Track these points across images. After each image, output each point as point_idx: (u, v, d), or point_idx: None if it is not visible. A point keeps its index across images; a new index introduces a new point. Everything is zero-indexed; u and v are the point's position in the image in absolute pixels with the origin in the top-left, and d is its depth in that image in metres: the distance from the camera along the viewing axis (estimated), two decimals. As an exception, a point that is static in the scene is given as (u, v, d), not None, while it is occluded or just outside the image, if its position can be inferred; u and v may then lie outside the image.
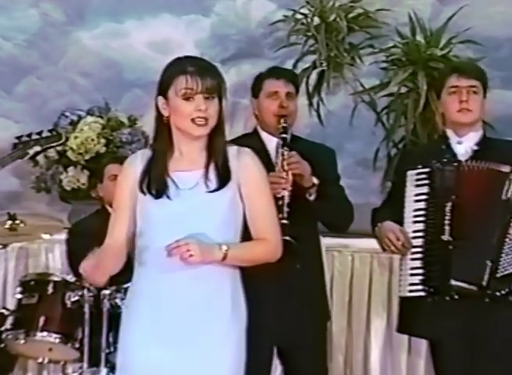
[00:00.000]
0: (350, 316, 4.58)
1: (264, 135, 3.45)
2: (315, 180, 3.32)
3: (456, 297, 3.08)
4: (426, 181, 3.17)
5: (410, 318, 3.23)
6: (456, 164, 3.15)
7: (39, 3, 5.60)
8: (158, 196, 2.72)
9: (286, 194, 3.22)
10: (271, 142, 3.42)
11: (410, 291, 3.15)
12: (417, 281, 3.14)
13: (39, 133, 3.43)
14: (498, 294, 3.03)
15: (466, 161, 3.17)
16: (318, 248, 3.52)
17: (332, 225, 3.50)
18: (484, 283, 3.04)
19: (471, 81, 3.22)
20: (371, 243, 4.67)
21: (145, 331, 2.71)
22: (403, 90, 4.97)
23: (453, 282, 3.07)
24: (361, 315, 4.56)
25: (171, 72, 2.72)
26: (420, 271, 3.14)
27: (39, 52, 5.57)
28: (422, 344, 4.48)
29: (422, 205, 3.16)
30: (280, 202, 3.20)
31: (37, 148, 3.25)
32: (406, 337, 4.52)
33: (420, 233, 3.16)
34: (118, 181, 2.82)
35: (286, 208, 3.21)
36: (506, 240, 3.04)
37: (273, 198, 3.01)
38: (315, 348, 3.40)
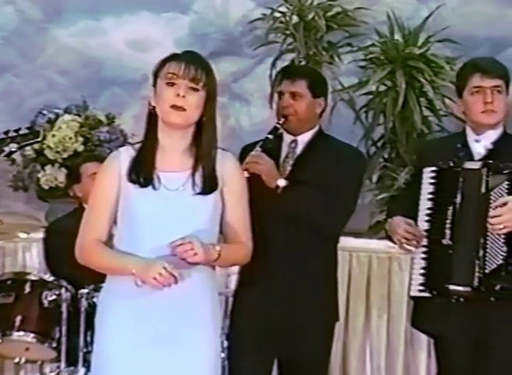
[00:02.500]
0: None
1: (284, 133, 3.41)
2: (280, 182, 3.25)
3: (460, 300, 3.07)
4: (434, 181, 3.15)
5: (420, 314, 3.23)
6: (460, 165, 3.13)
7: (15, 0, 5.56)
8: (145, 185, 2.69)
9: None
10: (286, 140, 3.39)
11: (419, 291, 3.15)
12: (423, 282, 3.15)
13: (16, 131, 3.40)
14: (496, 288, 3.01)
15: (470, 162, 3.14)
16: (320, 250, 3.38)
17: (295, 211, 3.35)
18: (475, 283, 3.04)
19: (495, 81, 3.15)
20: (350, 241, 4.72)
21: (121, 330, 2.70)
22: (382, 88, 4.98)
23: (451, 287, 3.07)
24: (340, 313, 4.55)
25: (161, 61, 2.74)
26: (424, 271, 3.14)
27: (16, 50, 5.54)
28: (400, 341, 4.50)
29: (430, 204, 3.15)
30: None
31: (14, 146, 3.22)
32: (384, 335, 4.54)
33: (427, 233, 3.15)
34: (98, 178, 2.79)
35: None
36: (488, 233, 3.04)
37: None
38: (318, 357, 3.35)
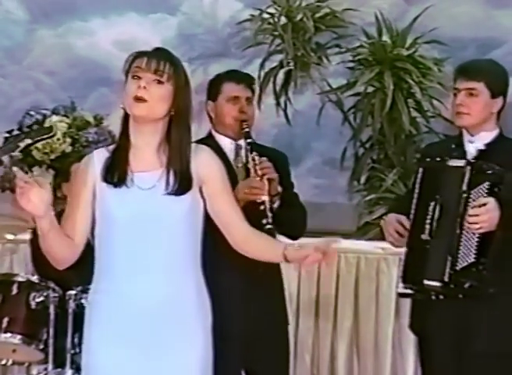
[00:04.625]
0: (316, 315, 4.59)
1: (219, 138, 3.43)
2: (279, 189, 3.30)
3: (440, 297, 3.09)
4: (420, 179, 3.18)
5: (411, 313, 3.26)
6: (443, 163, 3.15)
7: (3, 1, 5.55)
8: (118, 185, 2.67)
9: (266, 198, 3.20)
10: (227, 144, 3.41)
11: (403, 288, 3.17)
12: (403, 277, 3.18)
13: (29, 127, 3.41)
14: (465, 286, 3.03)
15: (454, 160, 3.16)
16: None
17: (291, 234, 3.45)
18: (446, 278, 3.05)
19: (469, 83, 3.16)
20: (338, 242, 4.72)
21: (108, 330, 2.68)
22: (370, 89, 4.99)
23: (425, 281, 3.09)
24: (328, 314, 4.56)
25: (128, 58, 2.71)
26: (404, 268, 3.17)
27: (3, 51, 5.52)
28: (388, 342, 4.51)
29: (416, 200, 3.18)
30: (262, 207, 3.17)
31: (28, 141, 3.22)
32: (372, 335, 4.54)
33: (410, 229, 3.18)
34: (75, 177, 2.78)
35: (269, 213, 3.17)
36: (463, 231, 3.06)
37: (254, 203, 3.00)
38: (278, 354, 3.38)
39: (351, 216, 4.91)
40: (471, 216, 3.03)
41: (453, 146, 3.21)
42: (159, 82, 2.65)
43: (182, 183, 2.68)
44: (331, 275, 4.58)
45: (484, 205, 3.02)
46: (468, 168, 3.09)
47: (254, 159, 3.27)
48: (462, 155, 3.18)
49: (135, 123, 2.70)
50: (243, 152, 3.39)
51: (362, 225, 4.83)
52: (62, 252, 2.72)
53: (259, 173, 3.24)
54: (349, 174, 5.09)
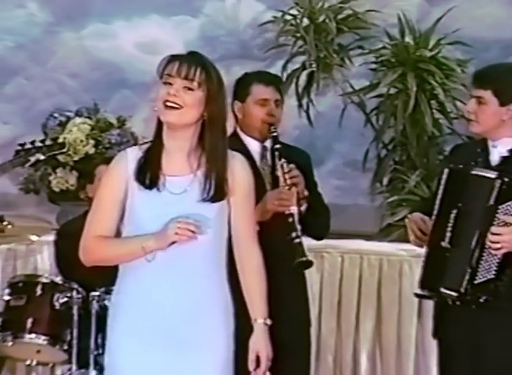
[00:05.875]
0: (339, 316, 4.58)
1: (245, 138, 3.41)
2: (306, 193, 3.27)
3: (457, 303, 3.07)
4: (445, 181, 3.14)
5: (434, 321, 3.24)
6: (469, 170, 3.11)
7: (26, 4, 5.58)
8: (150, 187, 2.67)
9: (295, 210, 3.13)
10: (253, 146, 3.39)
11: (421, 290, 3.17)
12: (421, 281, 3.15)
13: (42, 141, 3.42)
14: (481, 300, 3.02)
15: (479, 168, 3.12)
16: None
17: (316, 236, 3.46)
18: (462, 289, 3.03)
19: (477, 91, 3.14)
20: (361, 244, 4.72)
21: (130, 331, 2.69)
22: (393, 91, 4.98)
23: (442, 289, 3.08)
24: (350, 316, 4.56)
25: (161, 62, 2.71)
26: (423, 271, 3.15)
27: (27, 53, 5.56)
28: (411, 344, 4.49)
29: (438, 205, 3.15)
30: (291, 219, 3.11)
31: (40, 156, 3.25)
32: (395, 337, 4.53)
33: (430, 233, 3.16)
34: (104, 178, 2.77)
35: (298, 226, 3.11)
36: (486, 246, 3.03)
37: (282, 215, 2.97)
38: (299, 355, 3.37)
39: (373, 218, 4.90)
40: (493, 234, 2.99)
41: (479, 150, 3.19)
42: (189, 89, 2.65)
43: (219, 190, 2.67)
44: (353, 277, 4.57)
45: (509, 224, 2.99)
46: (499, 182, 3.04)
47: (282, 167, 3.22)
48: (486, 160, 3.16)
49: (168, 129, 2.70)
50: (268, 155, 3.36)
51: (384, 227, 4.82)
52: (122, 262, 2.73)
53: (288, 181, 3.19)
54: (371, 176, 5.08)
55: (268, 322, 2.74)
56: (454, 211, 3.08)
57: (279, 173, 3.23)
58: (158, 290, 2.67)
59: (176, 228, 2.59)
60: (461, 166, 3.13)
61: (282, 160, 3.23)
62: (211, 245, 2.70)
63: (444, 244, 3.08)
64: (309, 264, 3.14)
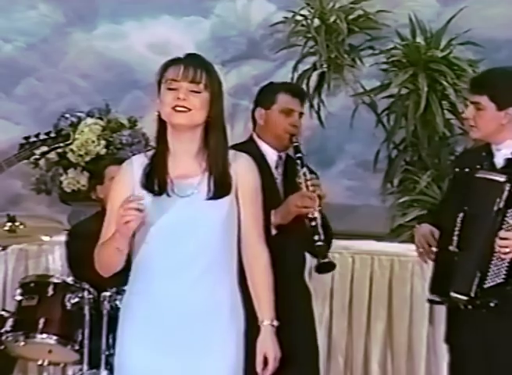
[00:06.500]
0: (350, 317, 4.58)
1: (262, 145, 3.41)
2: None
3: (464, 307, 3.06)
4: (451, 186, 3.16)
5: (447, 327, 3.23)
6: (473, 174, 3.11)
7: (38, 5, 5.59)
8: (159, 193, 2.68)
9: (318, 215, 3.17)
10: (270, 154, 3.40)
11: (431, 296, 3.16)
12: (431, 286, 3.16)
13: (47, 134, 3.40)
14: (491, 304, 3.01)
15: (484, 171, 3.12)
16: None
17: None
18: (472, 293, 3.03)
19: (474, 97, 3.16)
20: (372, 245, 4.71)
21: (141, 332, 2.70)
22: (404, 91, 4.97)
23: (452, 294, 3.07)
24: (361, 316, 4.56)
25: (162, 66, 2.73)
26: (433, 276, 3.16)
27: (38, 54, 5.57)
28: (422, 345, 4.48)
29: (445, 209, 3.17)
30: (314, 223, 3.15)
31: (44, 149, 3.23)
32: (406, 339, 4.53)
33: (439, 238, 3.17)
34: (112, 188, 2.78)
35: (321, 230, 3.15)
36: (496, 250, 3.02)
37: (306, 219, 2.99)
38: (308, 362, 3.37)
39: (384, 219, 4.90)
40: (502, 238, 2.98)
41: (484, 154, 3.17)
42: (196, 91, 2.66)
43: (221, 186, 2.68)
44: (364, 277, 4.57)
45: None
46: (508, 185, 3.03)
47: (305, 174, 3.25)
48: (491, 163, 3.15)
49: (173, 130, 2.71)
50: (281, 164, 3.37)
51: (395, 227, 4.81)
52: (118, 264, 2.73)
53: (311, 188, 3.22)
54: (382, 176, 5.07)
55: (275, 323, 2.74)
56: (460, 215, 3.07)
57: (301, 179, 3.25)
58: (167, 291, 2.67)
59: (121, 214, 2.57)
60: (466, 170, 3.12)
61: (304, 168, 3.27)
62: (221, 246, 2.70)
63: (452, 248, 3.07)
64: (332, 266, 3.14)
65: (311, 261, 3.45)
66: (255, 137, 3.45)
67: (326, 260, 3.12)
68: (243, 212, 2.73)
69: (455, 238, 3.07)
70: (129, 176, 2.73)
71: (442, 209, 3.22)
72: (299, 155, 3.31)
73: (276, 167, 3.38)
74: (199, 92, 2.67)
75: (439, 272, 3.13)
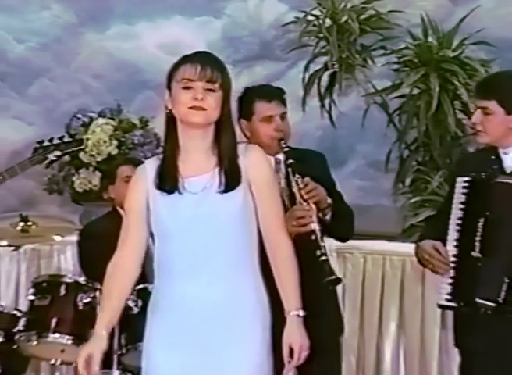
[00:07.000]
0: (362, 317, 4.58)
1: None
2: (329, 200, 3.21)
3: (488, 312, 3.04)
4: (466, 190, 3.10)
5: (455, 330, 3.20)
6: (493, 178, 3.08)
7: (51, 5, 5.62)
8: (171, 192, 2.69)
9: (316, 227, 3.06)
10: None
11: (447, 300, 3.11)
12: (451, 292, 3.10)
13: (61, 138, 3.43)
14: None
15: (503, 176, 3.09)
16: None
17: (342, 239, 3.45)
18: (500, 300, 2.99)
19: (482, 102, 3.12)
20: (384, 245, 4.71)
21: (164, 334, 2.70)
22: (415, 91, 4.96)
23: (478, 300, 3.03)
24: (373, 317, 4.55)
25: (175, 63, 2.73)
26: (452, 282, 3.10)
27: (51, 54, 5.59)
28: (434, 345, 4.48)
29: (461, 214, 3.10)
30: (313, 236, 3.04)
31: (57, 153, 3.26)
32: (418, 338, 4.52)
33: (456, 243, 3.11)
34: (127, 194, 2.81)
35: (321, 243, 3.04)
36: None
37: (305, 233, 2.95)
38: (329, 358, 3.32)
39: (396, 219, 4.89)
40: None
41: (493, 157, 3.14)
42: (211, 90, 2.68)
43: (231, 178, 2.69)
44: (376, 278, 4.56)
45: None
46: None
47: (297, 183, 3.14)
48: (501, 167, 3.12)
49: (186, 128, 2.71)
50: (282, 167, 3.29)
51: (407, 227, 4.80)
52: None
53: (305, 197, 3.11)
54: (393, 176, 5.06)
55: (301, 313, 2.70)
56: (481, 220, 3.04)
57: (295, 189, 3.14)
58: (191, 287, 2.67)
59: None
60: (484, 175, 3.10)
61: (297, 176, 3.15)
62: (240, 240, 2.70)
63: (475, 253, 3.03)
64: (338, 281, 3.11)
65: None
66: None
67: (333, 277, 3.03)
68: (260, 204, 2.72)
69: (477, 244, 3.05)
70: (143, 180, 2.75)
71: (443, 220, 3.17)
72: (290, 161, 3.20)
73: (277, 172, 3.31)
74: (214, 91, 2.68)
75: (460, 277, 3.08)
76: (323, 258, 3.02)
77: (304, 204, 3.11)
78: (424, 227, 3.41)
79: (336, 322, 3.41)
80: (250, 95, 3.36)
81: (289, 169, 3.21)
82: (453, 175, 3.26)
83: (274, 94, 3.37)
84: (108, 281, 2.78)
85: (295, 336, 2.69)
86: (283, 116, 3.34)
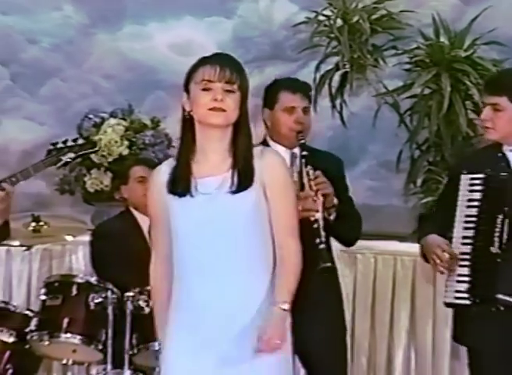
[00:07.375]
0: (373, 318, 4.57)
1: (274, 146, 3.37)
2: (336, 201, 3.24)
3: (501, 308, 3.03)
4: (479, 187, 3.09)
5: (456, 325, 3.20)
6: (505, 176, 3.08)
7: (63, 6, 5.63)
8: (183, 195, 2.70)
9: (319, 216, 3.11)
10: (282, 153, 3.31)
11: (456, 298, 3.10)
12: (463, 289, 3.09)
13: (74, 140, 3.44)
14: None
15: None
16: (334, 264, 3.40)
17: (347, 242, 3.46)
18: None
19: (492, 98, 3.12)
20: (395, 245, 4.70)
21: (178, 339, 2.70)
22: (427, 91, 4.95)
23: (500, 296, 3.03)
24: (384, 317, 4.55)
25: (193, 65, 2.74)
26: (466, 279, 3.08)
27: (63, 55, 5.61)
28: (446, 346, 4.47)
29: (474, 211, 3.09)
30: (315, 225, 3.09)
31: (71, 155, 3.26)
32: (430, 339, 4.51)
33: (469, 240, 3.09)
34: (148, 196, 2.82)
35: (322, 232, 3.09)
36: None
37: (308, 221, 2.96)
38: (336, 354, 3.35)
39: (407, 219, 4.87)
40: None
41: (500, 154, 3.13)
42: (231, 91, 2.69)
43: (244, 178, 2.69)
44: (387, 278, 4.56)
45: None
46: None
47: (308, 174, 3.20)
48: (508, 164, 3.12)
49: (205, 129, 2.72)
50: (297, 161, 3.33)
51: (418, 228, 4.79)
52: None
53: (314, 188, 3.16)
54: (405, 177, 5.05)
55: (285, 307, 2.65)
56: (500, 216, 3.04)
57: (305, 179, 3.20)
58: (206, 293, 2.67)
59: None
60: (503, 173, 3.07)
61: (308, 167, 3.20)
62: (253, 239, 2.69)
63: (494, 249, 3.03)
64: (332, 270, 3.12)
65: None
66: (268, 138, 3.43)
67: (328, 265, 3.06)
68: (272, 207, 2.71)
69: (496, 240, 3.03)
70: (157, 186, 2.76)
71: (443, 215, 3.16)
72: (304, 153, 3.26)
73: (291, 165, 3.34)
74: (233, 92, 2.69)
75: (478, 274, 3.06)
76: (322, 246, 3.05)
77: (313, 195, 3.14)
78: (419, 227, 3.36)
79: (336, 316, 3.42)
80: (277, 85, 3.42)
81: (303, 160, 3.25)
82: (455, 173, 3.24)
83: (300, 87, 3.42)
84: (157, 295, 2.81)
85: (267, 327, 2.62)
86: (306, 110, 3.38)
